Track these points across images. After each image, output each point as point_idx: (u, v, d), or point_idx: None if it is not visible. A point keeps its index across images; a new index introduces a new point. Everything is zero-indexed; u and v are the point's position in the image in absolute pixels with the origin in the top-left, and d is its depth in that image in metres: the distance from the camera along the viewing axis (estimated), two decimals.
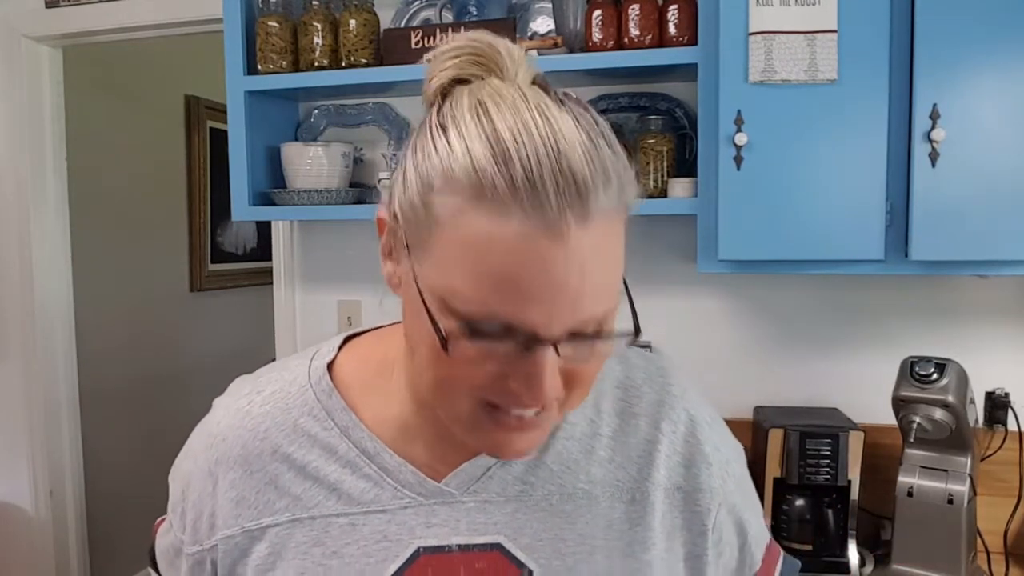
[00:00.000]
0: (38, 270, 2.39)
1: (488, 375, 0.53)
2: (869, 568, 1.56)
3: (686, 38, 1.59)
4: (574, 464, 0.65)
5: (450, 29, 1.70)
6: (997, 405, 1.68)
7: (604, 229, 0.52)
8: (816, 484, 1.55)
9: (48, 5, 2.27)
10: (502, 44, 0.57)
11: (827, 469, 1.53)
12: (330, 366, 0.68)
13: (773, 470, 1.57)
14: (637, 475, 0.66)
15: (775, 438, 1.57)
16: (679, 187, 1.62)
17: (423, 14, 1.92)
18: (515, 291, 0.49)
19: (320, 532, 0.63)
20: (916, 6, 1.37)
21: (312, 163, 1.84)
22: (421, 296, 0.53)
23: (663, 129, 1.70)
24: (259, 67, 1.83)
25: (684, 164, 1.76)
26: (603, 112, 1.83)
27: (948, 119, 1.36)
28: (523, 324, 0.50)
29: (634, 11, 1.61)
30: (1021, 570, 1.60)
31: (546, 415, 0.56)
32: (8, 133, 2.34)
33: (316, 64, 1.81)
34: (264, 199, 1.88)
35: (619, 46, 1.64)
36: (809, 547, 1.57)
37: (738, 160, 1.44)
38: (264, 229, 3.46)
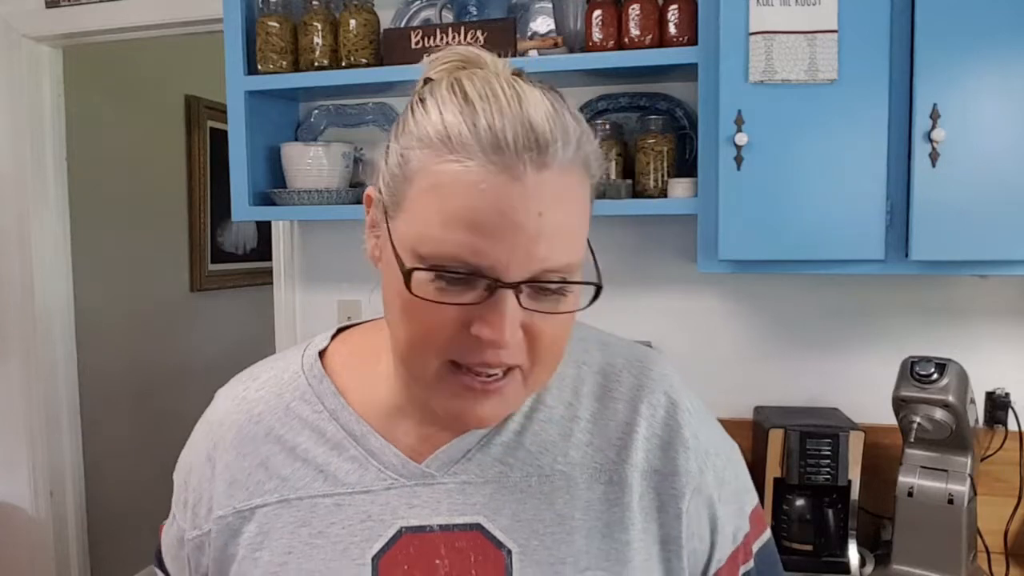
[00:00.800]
0: (38, 270, 2.39)
1: (453, 324, 0.56)
2: (869, 568, 1.56)
3: (686, 38, 1.59)
4: (552, 446, 0.67)
5: (450, 29, 1.70)
6: (997, 405, 1.68)
7: (564, 182, 0.56)
8: (816, 484, 1.55)
9: (48, 5, 2.27)
10: (487, 55, 0.61)
11: (827, 469, 1.53)
12: (323, 354, 0.72)
13: (773, 470, 1.57)
14: (615, 457, 0.67)
15: (775, 438, 1.57)
16: (679, 187, 1.62)
17: (423, 14, 1.92)
18: (476, 229, 0.53)
19: (307, 512, 0.65)
20: (916, 6, 1.37)
21: (312, 163, 1.84)
22: (394, 249, 0.57)
23: (663, 129, 1.70)
24: (259, 67, 1.83)
25: (684, 164, 1.76)
26: (603, 112, 1.84)
27: (948, 119, 1.36)
28: (484, 265, 0.54)
29: (634, 11, 1.61)
30: (1021, 570, 1.60)
31: (510, 383, 0.59)
32: (8, 133, 2.34)
33: (316, 64, 1.81)
34: (264, 199, 1.88)
35: (619, 46, 1.64)
36: (809, 547, 1.57)
37: (738, 160, 1.44)
38: (264, 229, 3.46)
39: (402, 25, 1.92)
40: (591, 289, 0.59)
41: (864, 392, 1.73)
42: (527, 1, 1.83)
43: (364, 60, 1.79)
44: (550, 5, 1.79)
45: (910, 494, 1.49)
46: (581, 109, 1.84)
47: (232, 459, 0.69)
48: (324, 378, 0.70)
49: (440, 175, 0.54)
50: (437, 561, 0.64)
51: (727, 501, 0.71)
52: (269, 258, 2.18)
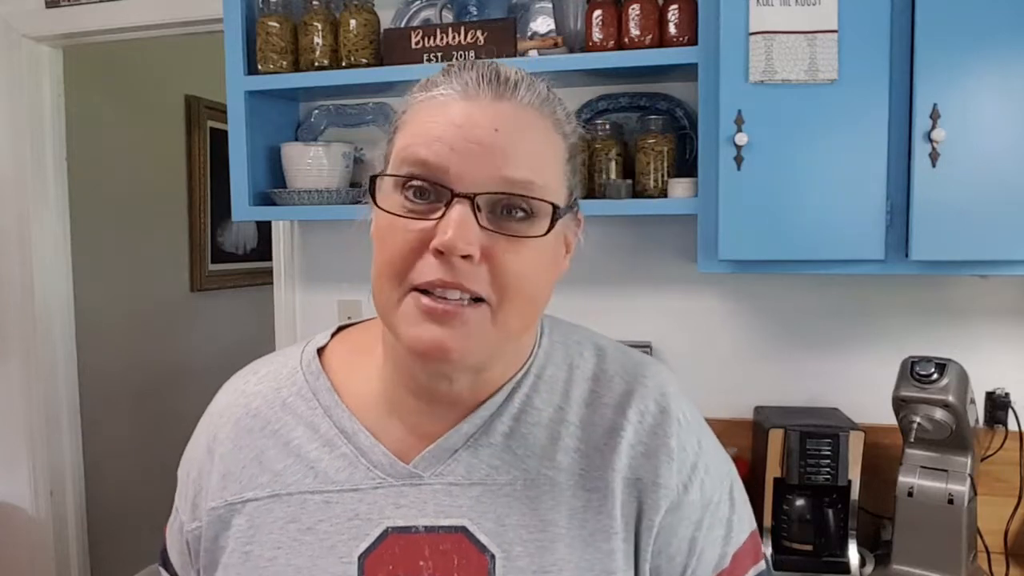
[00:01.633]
0: (38, 270, 2.39)
1: (416, 244, 0.58)
2: (869, 568, 1.55)
3: (686, 38, 1.59)
4: (539, 450, 0.66)
5: (450, 29, 1.70)
6: (997, 405, 1.68)
7: (524, 114, 0.61)
8: (816, 484, 1.55)
9: (48, 5, 2.27)
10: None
11: (827, 469, 1.53)
12: (322, 351, 0.73)
13: (773, 470, 1.57)
14: (601, 463, 0.66)
15: (775, 438, 1.57)
16: (679, 187, 1.62)
17: (423, 14, 1.92)
18: (435, 140, 0.58)
19: (297, 508, 0.66)
20: (916, 6, 1.37)
21: (312, 163, 1.84)
22: (371, 183, 0.62)
23: (663, 129, 1.70)
24: (259, 67, 1.82)
25: (684, 164, 1.76)
26: (603, 112, 1.84)
27: (948, 119, 1.36)
28: (442, 176, 0.58)
29: (634, 11, 1.61)
30: (1021, 570, 1.60)
31: (475, 315, 0.59)
32: (8, 133, 2.34)
33: (316, 64, 1.81)
34: (264, 199, 1.88)
35: (619, 46, 1.64)
36: (809, 547, 1.56)
37: (738, 160, 1.44)
38: (264, 229, 3.46)
39: (402, 25, 1.92)
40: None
41: (864, 392, 1.73)
42: (527, 1, 1.83)
43: (364, 60, 1.79)
44: (550, 5, 1.79)
45: (910, 494, 1.49)
46: (581, 109, 1.85)
47: (228, 451, 0.70)
48: (321, 375, 0.71)
49: (417, 108, 0.62)
50: (421, 563, 0.64)
51: (712, 527, 0.69)
52: (269, 258, 2.18)
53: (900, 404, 1.48)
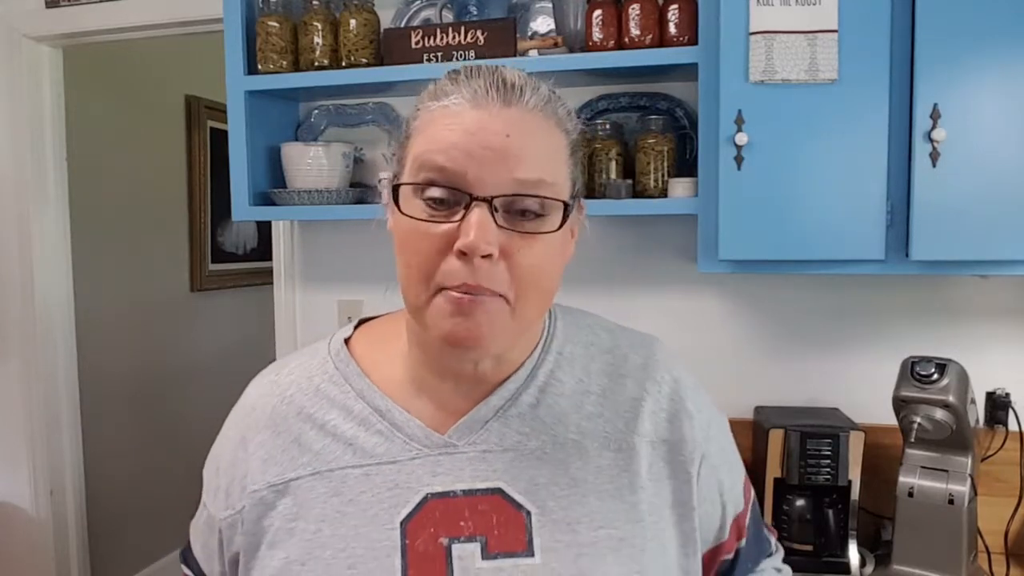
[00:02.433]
0: (38, 270, 2.39)
1: (439, 246, 0.63)
2: (869, 568, 1.55)
3: (686, 38, 1.59)
4: (564, 417, 0.73)
5: (450, 29, 1.70)
6: (998, 405, 1.68)
7: (531, 118, 0.65)
8: (816, 484, 1.55)
9: (48, 5, 2.27)
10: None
11: (827, 469, 1.53)
12: (348, 342, 0.79)
13: (774, 470, 1.57)
14: (624, 428, 0.73)
15: (775, 438, 1.57)
16: (679, 187, 1.62)
17: (423, 14, 1.92)
18: (451, 148, 0.63)
19: (338, 483, 0.70)
20: (917, 5, 1.37)
21: (312, 163, 1.84)
22: (394, 195, 0.66)
23: (663, 129, 1.70)
24: (259, 67, 1.82)
25: (684, 164, 1.76)
26: (603, 112, 1.84)
27: (949, 119, 1.36)
28: (459, 182, 0.63)
29: (634, 11, 1.61)
30: (1022, 570, 1.60)
31: (496, 308, 0.64)
32: (8, 133, 2.34)
33: (316, 64, 1.81)
34: (264, 199, 1.88)
35: (619, 46, 1.64)
36: (809, 547, 1.57)
37: (739, 160, 1.44)
38: (264, 229, 3.47)
39: (402, 25, 1.92)
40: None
41: (864, 392, 1.72)
42: (527, 1, 1.83)
43: (364, 60, 1.79)
44: (550, 5, 1.79)
45: (910, 494, 1.49)
46: (581, 109, 1.84)
47: (266, 438, 0.74)
48: (350, 361, 0.76)
49: (430, 116, 0.66)
50: (462, 523, 0.68)
51: (728, 470, 0.80)
52: (269, 258, 2.18)
53: (900, 404, 1.48)
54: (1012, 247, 1.37)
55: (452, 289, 0.63)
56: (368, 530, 0.68)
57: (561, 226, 0.66)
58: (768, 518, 1.58)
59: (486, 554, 0.67)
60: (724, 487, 0.79)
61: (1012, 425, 1.67)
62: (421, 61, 1.72)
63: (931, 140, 1.36)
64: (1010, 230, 1.36)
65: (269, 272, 2.17)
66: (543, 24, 1.82)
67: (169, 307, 3.31)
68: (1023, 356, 1.69)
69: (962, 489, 1.46)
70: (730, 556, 0.82)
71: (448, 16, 1.85)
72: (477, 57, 1.68)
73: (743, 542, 0.83)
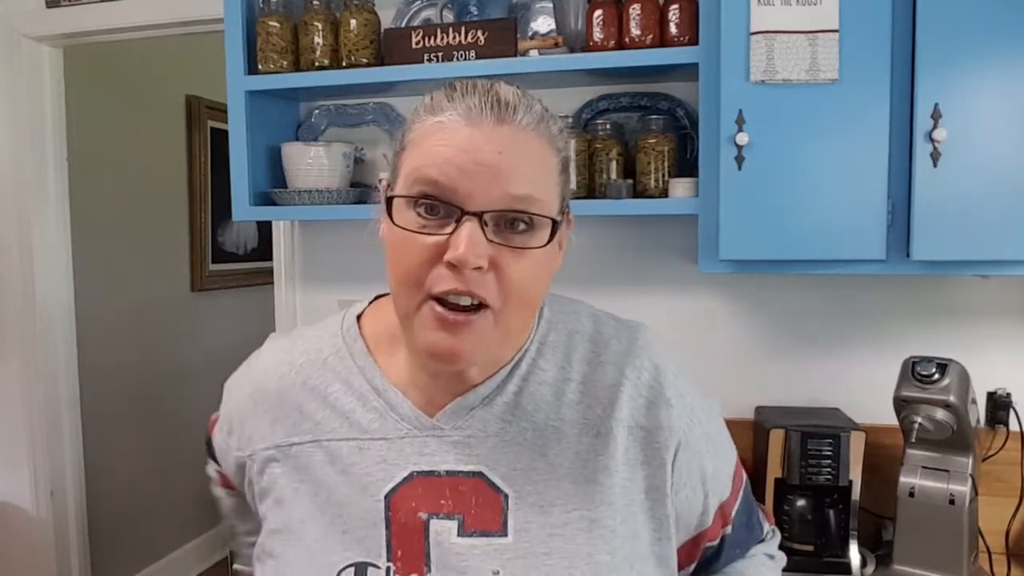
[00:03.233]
0: (38, 270, 2.39)
1: (429, 255, 0.66)
2: (870, 568, 1.55)
3: (687, 38, 1.59)
4: (546, 404, 0.76)
5: (451, 29, 1.70)
6: (999, 405, 1.68)
7: (523, 136, 0.67)
8: (817, 484, 1.55)
9: (48, 5, 2.27)
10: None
11: (828, 469, 1.53)
12: (360, 318, 0.83)
13: (774, 470, 1.57)
14: (602, 413, 0.75)
15: (776, 438, 1.57)
16: (680, 187, 1.62)
17: (424, 14, 1.92)
18: (444, 163, 0.65)
19: (334, 453, 0.76)
20: (918, 5, 1.37)
21: (313, 163, 1.83)
22: (387, 205, 0.69)
23: (664, 129, 1.70)
24: (260, 67, 1.82)
25: (685, 164, 1.76)
26: (604, 112, 1.83)
27: (950, 119, 1.36)
28: (451, 196, 0.65)
29: (635, 11, 1.61)
30: (1023, 571, 1.60)
31: (481, 319, 0.67)
32: (8, 133, 2.34)
33: (317, 64, 1.81)
34: (265, 199, 1.87)
35: (620, 46, 1.63)
36: (810, 547, 1.56)
37: (739, 160, 1.44)
38: (265, 229, 3.46)
39: (402, 25, 1.91)
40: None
41: (865, 392, 1.72)
42: (528, 1, 1.83)
43: (365, 60, 1.79)
44: (551, 5, 1.79)
45: (911, 494, 1.49)
46: (581, 109, 1.84)
47: (274, 403, 0.80)
48: (358, 338, 0.81)
49: (425, 130, 0.68)
50: (442, 501, 0.73)
51: (714, 457, 0.81)
52: (270, 258, 2.18)
53: (901, 404, 1.48)
54: (1013, 247, 1.37)
55: (441, 295, 0.66)
56: (359, 499, 0.74)
57: (549, 241, 0.68)
58: (769, 518, 1.58)
59: (462, 531, 0.72)
60: (707, 474, 0.80)
61: (1013, 425, 1.67)
62: (421, 61, 1.72)
63: (932, 140, 1.36)
64: (1011, 230, 1.36)
65: (269, 272, 2.17)
66: (544, 24, 1.82)
67: (169, 307, 3.31)
68: None
69: (963, 489, 1.46)
70: (715, 542, 0.84)
71: (448, 16, 1.85)
72: (478, 57, 1.67)
73: (728, 528, 0.84)
